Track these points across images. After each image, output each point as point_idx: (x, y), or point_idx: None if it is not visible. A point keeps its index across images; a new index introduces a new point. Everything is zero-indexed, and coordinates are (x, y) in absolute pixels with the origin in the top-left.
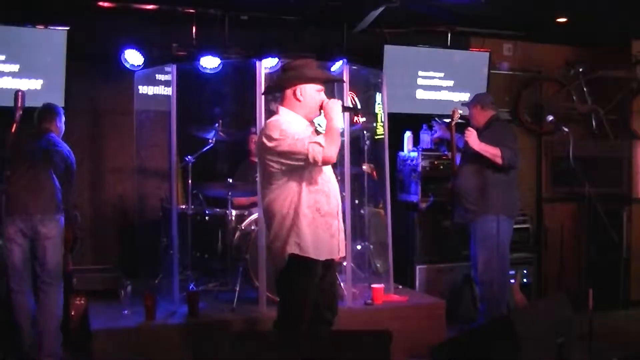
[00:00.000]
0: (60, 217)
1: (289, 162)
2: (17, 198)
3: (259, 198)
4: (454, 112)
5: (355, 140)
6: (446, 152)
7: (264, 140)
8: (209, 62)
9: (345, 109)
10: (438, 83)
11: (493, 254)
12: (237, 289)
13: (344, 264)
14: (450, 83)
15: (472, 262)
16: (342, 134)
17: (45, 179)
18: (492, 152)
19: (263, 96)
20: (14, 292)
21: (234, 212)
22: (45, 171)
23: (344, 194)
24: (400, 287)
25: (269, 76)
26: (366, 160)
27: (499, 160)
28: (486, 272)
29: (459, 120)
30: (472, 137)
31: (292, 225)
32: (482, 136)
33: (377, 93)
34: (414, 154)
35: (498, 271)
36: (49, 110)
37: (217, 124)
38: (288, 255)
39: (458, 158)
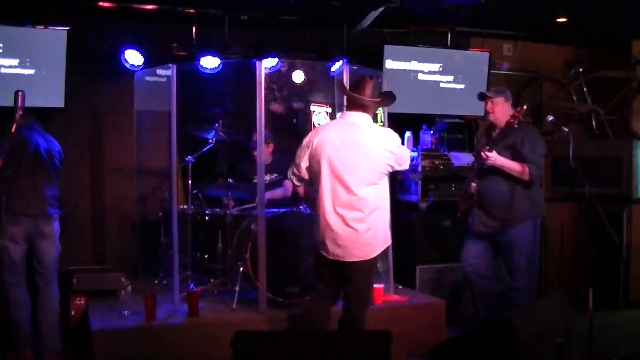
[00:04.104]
0: (58, 215)
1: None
2: (22, 198)
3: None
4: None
5: None
6: (446, 152)
7: (394, 145)
8: (209, 62)
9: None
10: (438, 80)
11: (533, 259)
12: (237, 289)
13: None
14: (451, 81)
15: (506, 271)
16: None
17: (48, 177)
18: (517, 169)
19: (263, 96)
20: (10, 285)
21: (234, 212)
22: (48, 168)
23: None
24: (400, 287)
25: (268, 76)
26: None
27: (525, 177)
28: (525, 278)
29: (457, 120)
30: (493, 158)
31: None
32: (507, 138)
33: None
34: (414, 154)
35: (533, 274)
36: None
37: (217, 124)
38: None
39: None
